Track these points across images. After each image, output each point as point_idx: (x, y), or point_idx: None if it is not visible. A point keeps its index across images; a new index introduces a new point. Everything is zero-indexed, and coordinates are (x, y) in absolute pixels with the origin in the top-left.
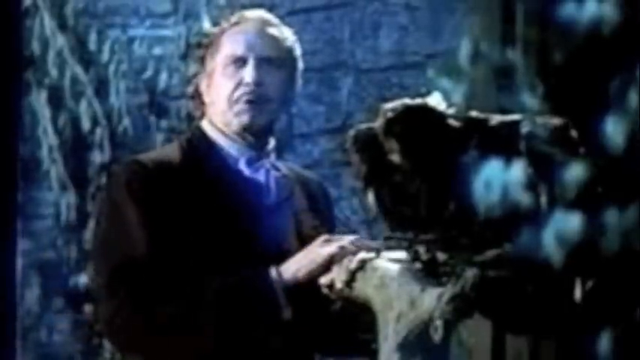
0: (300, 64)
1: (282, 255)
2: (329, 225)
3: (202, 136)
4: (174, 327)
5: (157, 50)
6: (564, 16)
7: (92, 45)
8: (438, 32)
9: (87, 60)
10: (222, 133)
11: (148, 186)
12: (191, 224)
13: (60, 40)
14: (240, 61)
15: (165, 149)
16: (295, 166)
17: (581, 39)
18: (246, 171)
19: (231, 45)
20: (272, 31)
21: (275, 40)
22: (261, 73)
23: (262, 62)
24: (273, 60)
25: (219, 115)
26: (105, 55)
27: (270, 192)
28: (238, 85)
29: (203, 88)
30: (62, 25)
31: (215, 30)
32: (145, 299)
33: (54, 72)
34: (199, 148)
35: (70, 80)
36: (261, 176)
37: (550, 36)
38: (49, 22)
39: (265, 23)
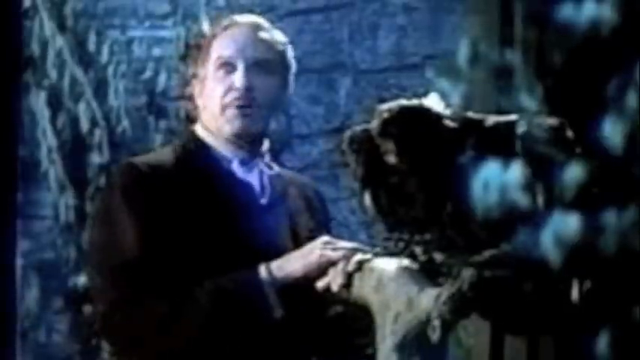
0: (293, 68)
1: (278, 254)
2: (325, 229)
3: (196, 139)
4: (166, 328)
5: (156, 51)
6: (563, 17)
7: (91, 46)
8: (436, 33)
9: (86, 61)
10: (215, 135)
11: (142, 189)
12: (185, 226)
13: (59, 41)
14: (229, 66)
15: (160, 152)
16: (290, 171)
17: (579, 40)
18: (239, 171)
19: (221, 49)
20: (263, 35)
21: (266, 44)
22: (251, 78)
23: (252, 67)
24: (264, 64)
25: (211, 120)
26: (104, 56)
27: (264, 191)
28: (228, 90)
29: (196, 92)
30: (61, 26)
31: (207, 34)
32: (138, 300)
33: (53, 73)
34: (193, 150)
35: (69, 81)
36: (254, 176)
37: (548, 37)
38: (48, 23)
39: (256, 27)
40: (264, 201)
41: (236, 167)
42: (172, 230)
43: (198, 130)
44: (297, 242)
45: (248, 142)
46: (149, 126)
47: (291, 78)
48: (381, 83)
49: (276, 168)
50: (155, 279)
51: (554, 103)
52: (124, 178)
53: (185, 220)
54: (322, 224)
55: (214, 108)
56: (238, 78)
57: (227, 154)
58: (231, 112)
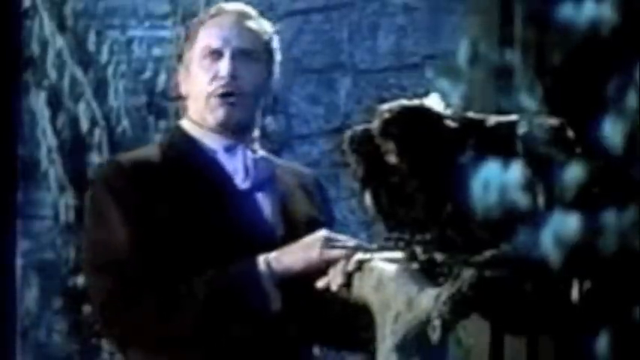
0: (278, 58)
1: (268, 238)
2: (325, 218)
3: (181, 133)
4: (165, 322)
5: (156, 51)
6: (563, 17)
7: (91, 46)
8: (436, 33)
9: (86, 61)
10: (200, 126)
11: (128, 184)
12: (172, 218)
13: (59, 41)
14: (216, 54)
15: (147, 148)
16: (289, 162)
17: (579, 40)
18: (223, 159)
19: (207, 37)
20: (249, 23)
21: (252, 33)
22: (237, 66)
23: (238, 55)
24: (250, 53)
25: (196, 111)
26: (104, 56)
27: (248, 173)
28: (214, 78)
29: (181, 79)
30: (61, 26)
31: (195, 21)
32: (135, 296)
33: (53, 73)
34: (178, 144)
35: (69, 81)
36: (237, 159)
37: (548, 37)
38: (48, 23)
39: (243, 16)
40: (247, 184)
41: (221, 156)
42: (160, 223)
43: (184, 123)
44: (292, 228)
45: (233, 131)
46: (149, 126)
47: (276, 67)
48: (381, 83)
49: (262, 152)
50: (149, 273)
51: (554, 103)
52: (109, 176)
53: (172, 212)
54: (323, 215)
55: (199, 97)
56: (224, 66)
57: (212, 145)
58: (215, 101)
